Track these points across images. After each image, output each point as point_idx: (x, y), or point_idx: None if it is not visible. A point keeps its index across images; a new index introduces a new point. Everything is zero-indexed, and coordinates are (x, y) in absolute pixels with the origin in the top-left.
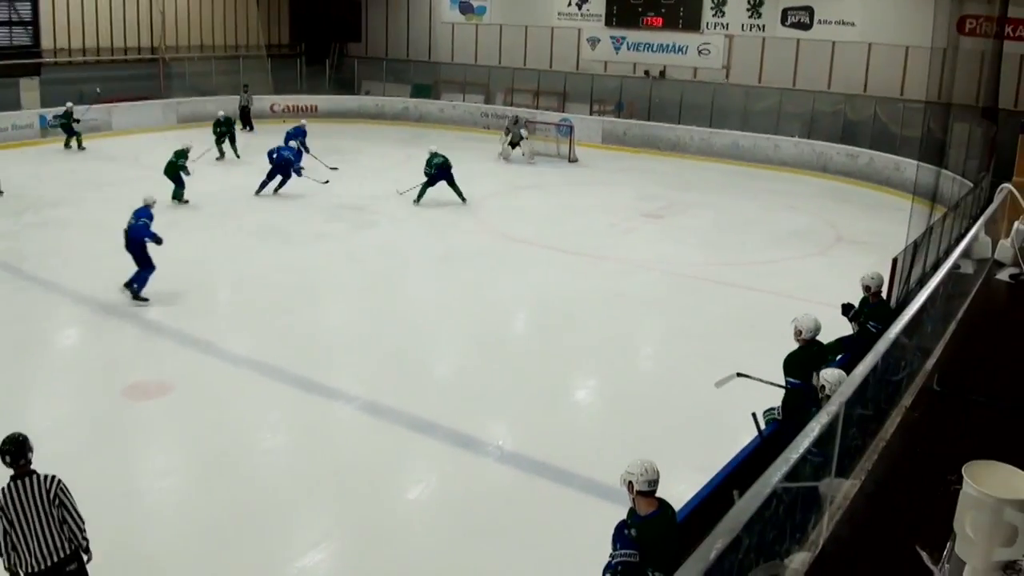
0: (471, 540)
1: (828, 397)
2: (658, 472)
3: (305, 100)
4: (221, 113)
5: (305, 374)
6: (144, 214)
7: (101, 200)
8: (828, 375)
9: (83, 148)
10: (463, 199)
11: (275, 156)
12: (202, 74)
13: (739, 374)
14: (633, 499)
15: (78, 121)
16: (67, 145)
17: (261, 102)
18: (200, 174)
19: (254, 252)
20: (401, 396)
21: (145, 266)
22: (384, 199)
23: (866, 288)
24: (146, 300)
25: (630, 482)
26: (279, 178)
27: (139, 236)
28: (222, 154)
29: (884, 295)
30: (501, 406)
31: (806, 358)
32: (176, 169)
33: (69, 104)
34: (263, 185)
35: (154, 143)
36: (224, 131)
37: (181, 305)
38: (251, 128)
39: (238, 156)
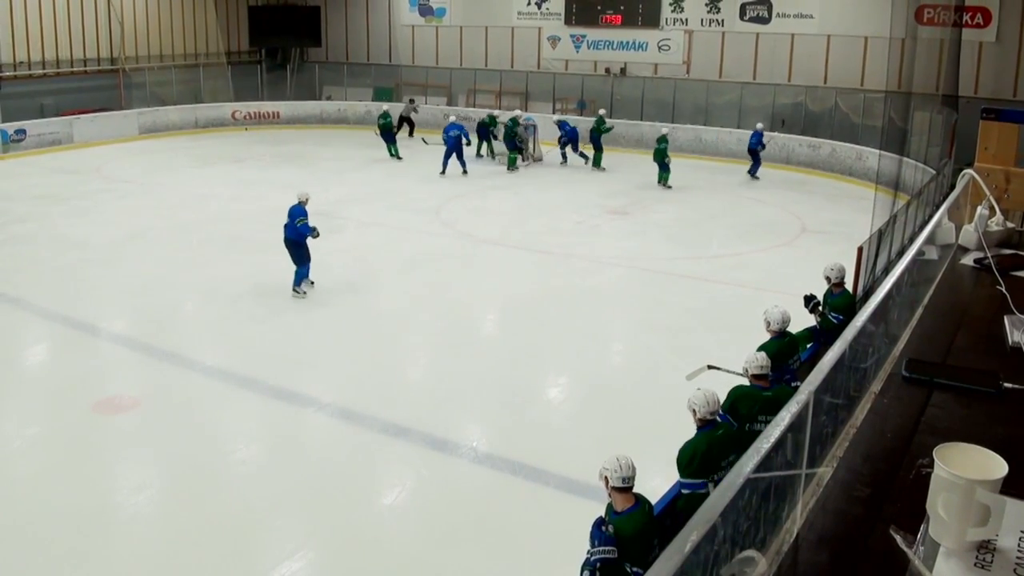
0: (448, 543)
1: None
2: (633, 468)
3: (267, 107)
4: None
5: (276, 383)
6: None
7: (65, 214)
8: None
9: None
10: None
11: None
12: (162, 83)
13: (710, 366)
14: (610, 495)
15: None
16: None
17: (221, 109)
18: (163, 186)
19: (220, 262)
20: (373, 401)
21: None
22: (349, 204)
23: (828, 279)
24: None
25: (606, 478)
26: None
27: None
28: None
29: (850, 284)
30: (474, 407)
31: (777, 349)
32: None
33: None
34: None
35: (116, 154)
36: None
37: (149, 317)
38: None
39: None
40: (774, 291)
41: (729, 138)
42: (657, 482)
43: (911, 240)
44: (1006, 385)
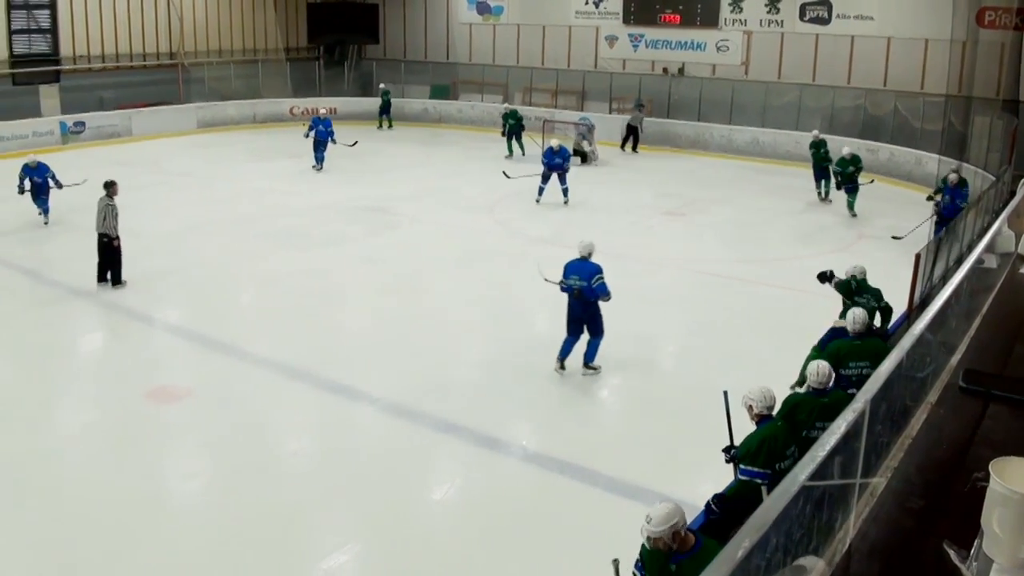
0: (495, 540)
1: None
2: (681, 511)
3: (324, 102)
4: (506, 106)
5: (328, 376)
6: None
7: (122, 206)
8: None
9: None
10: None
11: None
12: (221, 79)
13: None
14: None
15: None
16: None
17: (279, 105)
18: (220, 180)
19: (275, 255)
20: (425, 397)
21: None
22: (404, 200)
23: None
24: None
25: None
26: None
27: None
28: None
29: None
30: (524, 406)
31: (850, 349)
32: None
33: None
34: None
35: (174, 148)
36: (513, 125)
37: (203, 308)
38: (635, 150)
39: (523, 152)
40: (830, 297)
41: (787, 140)
42: (707, 487)
43: (970, 248)
44: None
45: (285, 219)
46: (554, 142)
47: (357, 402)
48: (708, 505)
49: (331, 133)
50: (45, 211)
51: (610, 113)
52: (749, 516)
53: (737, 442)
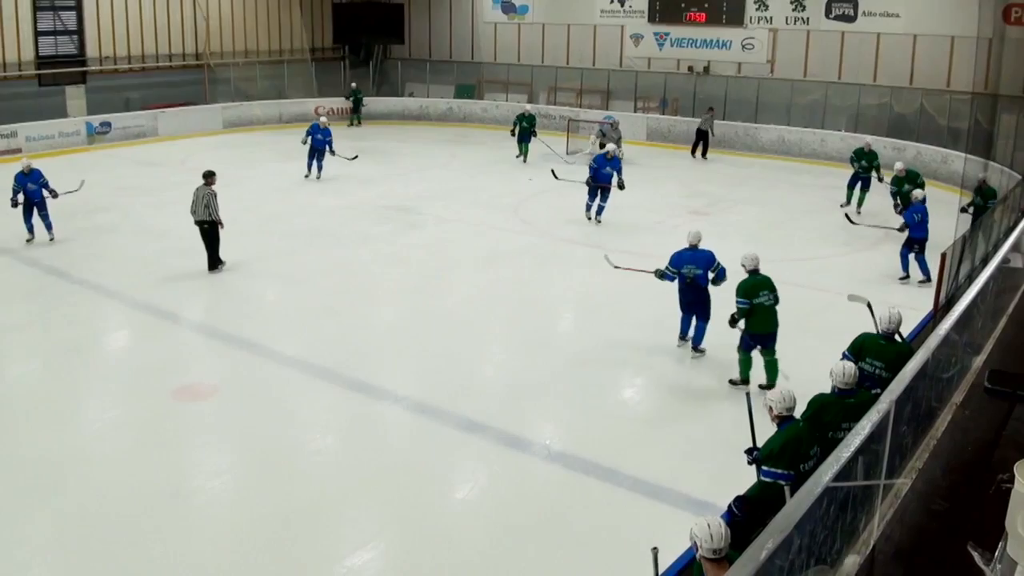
0: (519, 540)
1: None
2: (726, 536)
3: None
4: (527, 108)
5: (354, 374)
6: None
7: (149, 205)
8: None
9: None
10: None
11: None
12: (246, 79)
13: (869, 304)
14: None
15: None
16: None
17: (305, 105)
18: (246, 179)
19: (302, 254)
20: (449, 396)
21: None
22: (429, 200)
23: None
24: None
25: (695, 543)
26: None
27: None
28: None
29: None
30: (549, 405)
31: (874, 345)
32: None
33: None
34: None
35: (200, 148)
36: (525, 128)
37: (229, 307)
38: (704, 156)
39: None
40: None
41: (812, 138)
42: (731, 489)
43: (996, 247)
44: None
45: (311, 218)
46: (610, 147)
47: (382, 401)
48: (730, 508)
49: (329, 143)
50: (48, 226)
51: (635, 112)
52: (771, 518)
53: (760, 443)
